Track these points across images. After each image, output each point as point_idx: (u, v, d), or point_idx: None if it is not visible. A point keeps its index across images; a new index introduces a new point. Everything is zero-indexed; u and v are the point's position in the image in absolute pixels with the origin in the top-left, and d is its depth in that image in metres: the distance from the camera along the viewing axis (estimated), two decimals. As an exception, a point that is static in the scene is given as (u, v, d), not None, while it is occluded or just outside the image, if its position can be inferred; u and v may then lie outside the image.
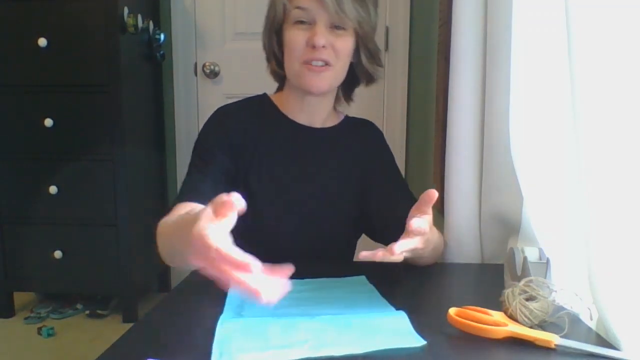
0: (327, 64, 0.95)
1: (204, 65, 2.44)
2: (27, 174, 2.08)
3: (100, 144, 2.03)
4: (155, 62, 2.36)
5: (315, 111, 1.06)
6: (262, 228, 1.02)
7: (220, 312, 0.72)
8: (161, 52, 2.33)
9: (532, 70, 0.88)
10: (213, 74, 2.45)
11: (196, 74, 2.47)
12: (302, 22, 0.94)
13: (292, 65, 0.97)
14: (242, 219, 1.03)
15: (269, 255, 1.06)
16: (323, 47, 0.93)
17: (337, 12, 0.91)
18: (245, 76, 2.40)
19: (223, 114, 1.05)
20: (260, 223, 1.01)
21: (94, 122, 2.04)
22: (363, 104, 2.51)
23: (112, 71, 2.00)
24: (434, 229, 0.90)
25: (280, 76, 1.08)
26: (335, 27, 0.94)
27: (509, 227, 1.00)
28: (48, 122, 2.02)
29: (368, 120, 1.17)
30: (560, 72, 0.79)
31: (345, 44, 0.96)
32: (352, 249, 1.16)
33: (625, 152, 0.62)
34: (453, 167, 1.16)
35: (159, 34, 2.29)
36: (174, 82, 2.47)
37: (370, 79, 1.07)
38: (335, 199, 1.07)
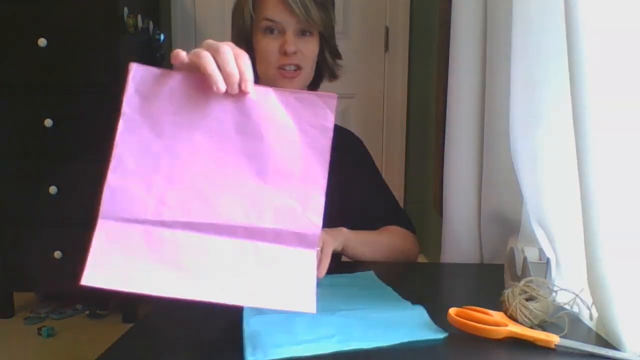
0: (298, 68, 1.03)
1: (204, 65, 2.45)
2: (27, 174, 2.08)
3: (100, 144, 2.03)
4: (155, 62, 2.36)
5: None
6: None
7: (219, 311, 0.72)
8: (161, 53, 2.33)
9: (532, 70, 0.88)
10: (213, 74, 2.45)
11: (196, 74, 2.47)
12: (271, 31, 1.01)
13: (266, 71, 1.04)
14: None
15: None
16: (294, 53, 1.01)
17: (306, 20, 0.99)
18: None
19: None
20: None
21: (94, 122, 2.03)
22: (363, 104, 2.52)
23: (112, 71, 1.99)
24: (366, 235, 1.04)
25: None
26: (302, 33, 1.02)
27: (509, 227, 1.01)
28: (48, 122, 2.01)
29: (347, 130, 1.24)
30: (560, 72, 0.79)
31: (312, 48, 1.05)
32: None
33: (625, 152, 0.62)
34: (453, 167, 1.16)
35: (159, 34, 2.29)
36: (174, 82, 2.47)
37: (332, 74, 1.15)
38: None
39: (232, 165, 0.58)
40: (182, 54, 0.57)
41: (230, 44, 0.59)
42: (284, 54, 1.00)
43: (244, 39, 1.06)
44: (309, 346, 0.61)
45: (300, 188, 0.59)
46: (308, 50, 1.03)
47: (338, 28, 2.29)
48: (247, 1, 1.03)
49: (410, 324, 0.68)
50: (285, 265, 0.57)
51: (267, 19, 1.00)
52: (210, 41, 0.58)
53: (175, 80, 0.58)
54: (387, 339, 0.63)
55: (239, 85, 0.57)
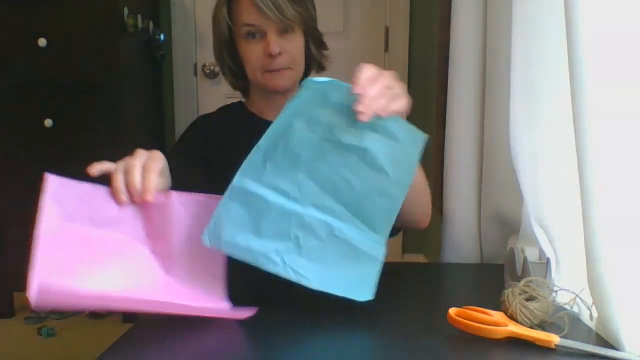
0: (287, 68, 1.02)
1: (203, 66, 2.44)
2: (27, 174, 2.07)
3: (100, 144, 2.03)
4: (155, 62, 2.36)
5: (282, 107, 1.10)
6: None
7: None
8: (161, 53, 2.33)
9: (532, 70, 0.88)
10: (213, 74, 2.45)
11: (196, 75, 2.47)
12: (253, 36, 1.00)
13: (254, 75, 1.03)
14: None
15: None
16: (279, 54, 0.99)
17: (281, 20, 0.97)
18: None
19: (198, 123, 1.14)
20: None
21: (94, 122, 2.03)
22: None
23: (112, 71, 1.99)
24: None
25: (238, 86, 1.14)
26: (284, 31, 1.00)
27: (509, 227, 1.01)
28: (48, 122, 2.01)
29: None
30: (560, 72, 0.79)
31: (297, 45, 1.02)
32: None
33: (625, 152, 0.62)
34: (453, 167, 1.16)
35: (159, 34, 2.29)
36: (174, 83, 2.47)
37: (319, 66, 1.12)
38: None
39: (141, 259, 0.67)
40: (98, 167, 0.69)
41: (145, 156, 0.71)
42: (269, 56, 0.99)
43: (225, 46, 1.06)
44: (252, 255, 0.68)
45: (203, 276, 0.69)
46: (293, 47, 1.02)
47: (338, 28, 2.30)
48: (222, 9, 1.03)
49: (352, 278, 0.71)
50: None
51: (246, 25, 1.00)
52: (127, 159, 0.70)
53: (89, 189, 0.68)
54: (317, 281, 0.69)
55: (142, 196, 0.67)
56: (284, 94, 1.07)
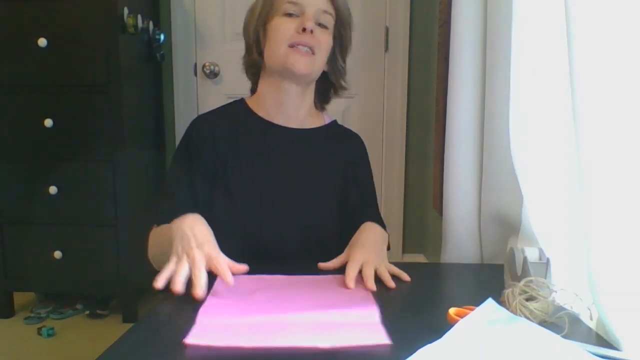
0: (311, 50, 1.02)
1: (204, 66, 2.44)
2: (27, 174, 2.08)
3: (100, 144, 2.03)
4: (155, 62, 2.36)
5: (291, 109, 1.10)
6: (244, 223, 1.05)
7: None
8: (161, 53, 2.33)
9: (532, 70, 0.88)
10: (213, 74, 2.45)
11: (196, 74, 2.47)
12: (290, 15, 1.03)
13: (278, 48, 1.02)
14: (225, 216, 1.08)
15: (256, 257, 1.09)
16: (311, 32, 1.01)
17: (321, 10, 1.03)
18: (245, 76, 2.39)
19: (196, 127, 1.11)
20: (243, 218, 1.05)
21: (94, 122, 2.03)
22: (364, 105, 2.52)
23: (112, 71, 1.99)
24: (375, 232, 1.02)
25: (256, 69, 1.13)
26: (319, 24, 1.03)
27: (509, 227, 1.01)
28: (48, 122, 2.01)
29: (355, 133, 1.21)
30: (560, 72, 0.79)
31: (326, 40, 1.05)
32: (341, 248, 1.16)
33: (625, 152, 0.62)
34: (453, 167, 1.16)
35: (159, 34, 2.29)
36: (174, 82, 2.47)
37: (339, 79, 1.14)
38: (312, 194, 1.08)
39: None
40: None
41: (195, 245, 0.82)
42: (302, 30, 1.00)
43: (261, 19, 1.07)
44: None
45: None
46: (322, 38, 1.04)
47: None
48: None
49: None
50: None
51: (290, 2, 1.02)
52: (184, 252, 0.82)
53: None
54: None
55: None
56: (296, 84, 1.06)
